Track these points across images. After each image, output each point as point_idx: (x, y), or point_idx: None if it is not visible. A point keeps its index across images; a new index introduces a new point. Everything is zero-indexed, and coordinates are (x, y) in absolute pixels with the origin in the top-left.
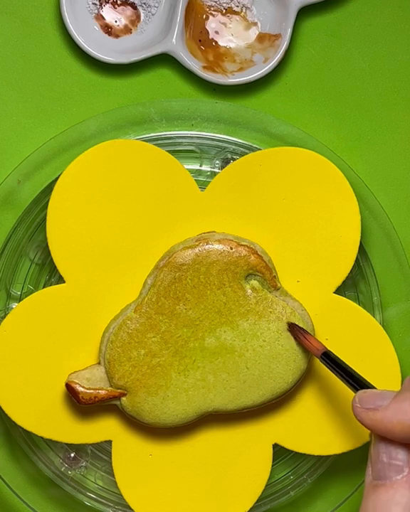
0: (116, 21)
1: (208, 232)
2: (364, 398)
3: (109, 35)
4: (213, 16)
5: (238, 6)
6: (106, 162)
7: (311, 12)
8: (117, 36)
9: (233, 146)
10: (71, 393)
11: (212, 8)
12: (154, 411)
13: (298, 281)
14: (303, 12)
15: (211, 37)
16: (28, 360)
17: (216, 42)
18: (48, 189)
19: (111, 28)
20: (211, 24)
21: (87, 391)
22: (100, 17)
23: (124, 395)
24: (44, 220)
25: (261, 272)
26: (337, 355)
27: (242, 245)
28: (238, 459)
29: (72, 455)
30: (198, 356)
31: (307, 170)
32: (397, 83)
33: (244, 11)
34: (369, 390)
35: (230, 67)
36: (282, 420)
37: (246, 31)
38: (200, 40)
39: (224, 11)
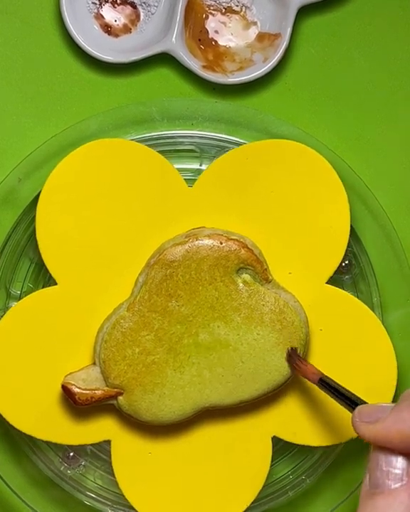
0: (116, 20)
1: (197, 228)
2: (364, 412)
3: (108, 34)
4: (212, 15)
5: (237, 6)
6: (93, 163)
7: (311, 11)
8: (116, 35)
9: (233, 146)
10: (67, 394)
11: (212, 8)
12: (151, 409)
13: (290, 273)
14: (303, 11)
15: (210, 36)
16: (23, 363)
17: (216, 41)
18: None
19: (111, 27)
20: (211, 23)
21: (84, 392)
22: (99, 16)
23: (120, 394)
24: None
25: (252, 265)
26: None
27: (232, 239)
28: (238, 452)
29: (72, 454)
30: (193, 352)
31: (294, 162)
32: (397, 83)
33: (244, 10)
34: (368, 404)
35: (230, 67)
36: (280, 412)
37: (246, 30)
38: (200, 40)
39: (224, 10)
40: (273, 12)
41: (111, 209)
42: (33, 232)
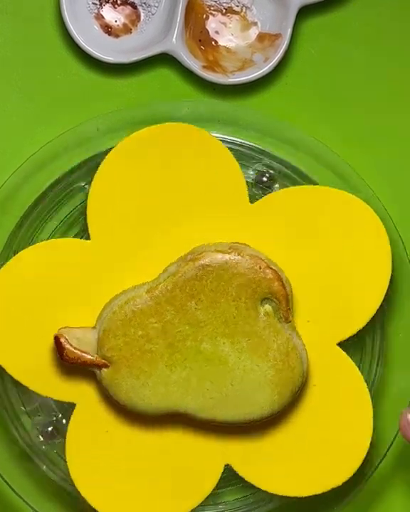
0: (116, 21)
1: (241, 244)
2: None
3: (109, 34)
4: (213, 15)
5: (238, 6)
6: (166, 143)
7: (311, 12)
8: (117, 36)
9: (233, 146)
10: (57, 347)
11: (212, 8)
12: (129, 393)
13: (308, 321)
14: (303, 12)
15: (211, 37)
16: (29, 305)
17: (216, 41)
18: (49, 190)
19: (111, 27)
20: (211, 24)
21: (73, 350)
22: (99, 17)
23: (107, 366)
24: (45, 221)
25: (279, 300)
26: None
27: (270, 269)
28: (187, 466)
29: (50, 430)
30: (191, 357)
31: (341, 212)
32: (397, 83)
33: (244, 10)
34: None
35: (230, 67)
36: (244, 446)
37: (246, 31)
38: (200, 40)
39: (224, 10)
40: (273, 12)
41: (169, 190)
42: (34, 234)
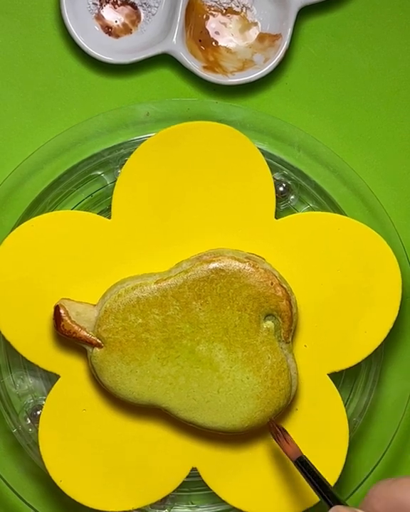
0: (116, 21)
1: (259, 256)
2: None
3: (109, 35)
4: (213, 15)
5: (238, 6)
6: (206, 140)
7: (311, 12)
8: (117, 36)
9: None
10: (55, 316)
11: (212, 8)
12: (115, 376)
13: (305, 346)
14: (303, 12)
15: (211, 37)
16: (36, 272)
17: (216, 42)
18: (48, 189)
19: (111, 28)
20: (211, 24)
21: (70, 323)
22: (100, 17)
23: (100, 346)
24: None
25: (283, 319)
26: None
27: (282, 287)
28: (154, 461)
29: (38, 413)
30: (184, 355)
31: (364, 248)
32: (397, 83)
33: (244, 10)
34: (341, 507)
35: (231, 67)
36: (216, 454)
37: (246, 31)
38: (200, 40)
39: (224, 10)
40: (274, 13)
41: (198, 187)
42: None
